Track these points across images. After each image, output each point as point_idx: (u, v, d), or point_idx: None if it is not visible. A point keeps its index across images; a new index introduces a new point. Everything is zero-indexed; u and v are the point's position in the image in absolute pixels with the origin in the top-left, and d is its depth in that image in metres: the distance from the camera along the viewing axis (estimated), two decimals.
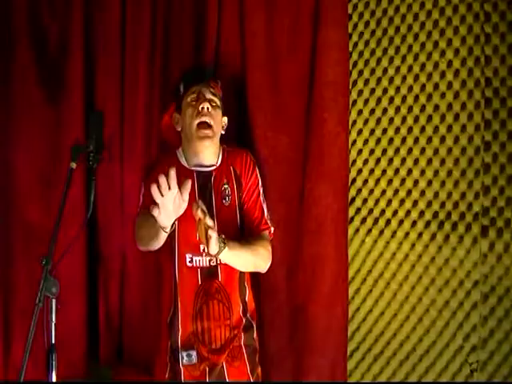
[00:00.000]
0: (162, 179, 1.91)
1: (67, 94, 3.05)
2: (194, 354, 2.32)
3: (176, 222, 2.23)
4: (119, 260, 3.03)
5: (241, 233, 2.44)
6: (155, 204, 1.94)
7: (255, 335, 2.51)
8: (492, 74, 2.50)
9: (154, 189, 1.91)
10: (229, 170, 2.44)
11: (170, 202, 1.96)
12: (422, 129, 2.66)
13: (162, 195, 1.92)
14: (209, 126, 2.37)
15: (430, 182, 2.64)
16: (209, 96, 2.41)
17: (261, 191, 2.50)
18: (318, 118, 2.74)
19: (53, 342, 1.99)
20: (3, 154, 3.08)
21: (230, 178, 2.43)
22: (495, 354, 2.49)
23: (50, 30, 3.09)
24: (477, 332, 2.52)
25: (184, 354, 2.32)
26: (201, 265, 2.33)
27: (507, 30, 2.46)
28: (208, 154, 2.41)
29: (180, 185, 1.97)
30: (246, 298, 2.49)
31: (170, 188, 1.92)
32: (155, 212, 1.95)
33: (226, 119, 2.54)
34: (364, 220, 2.80)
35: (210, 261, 2.32)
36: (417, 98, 2.67)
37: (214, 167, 2.44)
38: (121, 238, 3.02)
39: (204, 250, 2.27)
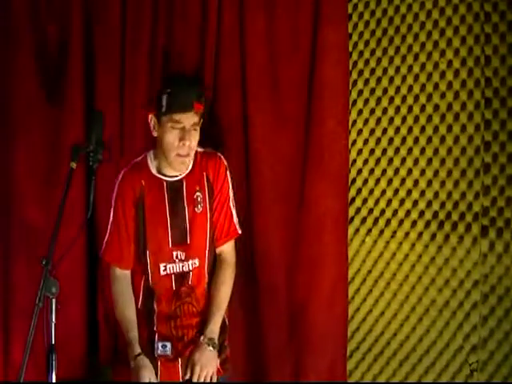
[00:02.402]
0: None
1: (67, 94, 3.05)
2: (168, 345, 2.42)
3: (145, 242, 2.43)
4: None
5: (211, 238, 2.51)
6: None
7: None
8: (492, 74, 2.49)
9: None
10: (201, 176, 2.47)
11: None
12: (422, 129, 2.66)
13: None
14: (188, 155, 2.40)
15: (429, 182, 2.64)
16: (190, 127, 2.37)
17: (231, 196, 2.53)
18: (318, 118, 2.74)
19: (53, 342, 1.99)
20: (3, 154, 3.08)
21: (202, 184, 2.48)
22: (495, 354, 2.49)
23: (50, 30, 3.09)
24: (477, 332, 2.52)
25: (159, 344, 2.42)
26: (174, 271, 2.44)
27: (507, 30, 2.46)
28: (183, 168, 2.46)
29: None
30: None
31: None
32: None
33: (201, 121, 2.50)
34: (364, 220, 2.80)
35: (182, 266, 2.44)
36: (417, 97, 2.67)
37: (185, 173, 2.46)
38: None
39: (177, 256, 2.41)
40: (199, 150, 2.51)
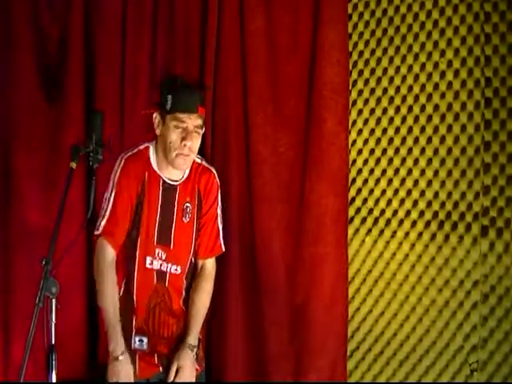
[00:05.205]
0: None
1: (67, 94, 3.06)
2: (145, 340, 2.48)
3: (138, 230, 2.43)
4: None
5: (194, 247, 2.53)
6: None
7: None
8: (492, 74, 2.49)
9: None
10: (193, 188, 2.50)
11: None
12: (422, 129, 2.66)
13: None
14: (189, 155, 2.41)
15: (429, 182, 2.64)
16: (193, 129, 2.39)
17: (219, 213, 2.57)
18: (318, 118, 2.74)
19: (53, 342, 1.99)
20: (3, 154, 3.08)
21: (192, 196, 2.51)
22: (495, 354, 2.49)
23: (50, 31, 3.09)
24: (477, 332, 2.52)
25: (136, 338, 2.48)
26: (156, 268, 2.47)
27: (507, 30, 2.46)
28: (180, 171, 2.48)
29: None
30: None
31: None
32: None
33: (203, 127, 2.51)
34: (364, 220, 2.80)
35: (161, 265, 2.47)
36: (417, 97, 2.67)
37: (180, 181, 2.49)
38: None
39: (159, 254, 2.46)
40: (197, 160, 2.52)
